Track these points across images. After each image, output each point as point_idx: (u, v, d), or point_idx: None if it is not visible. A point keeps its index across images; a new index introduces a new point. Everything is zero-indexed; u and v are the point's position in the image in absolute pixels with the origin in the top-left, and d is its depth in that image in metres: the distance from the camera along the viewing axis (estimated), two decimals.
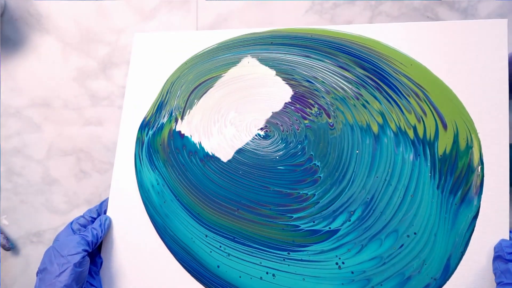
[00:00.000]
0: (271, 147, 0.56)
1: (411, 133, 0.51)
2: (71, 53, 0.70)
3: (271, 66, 0.59)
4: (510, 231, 0.48)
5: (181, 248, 0.55)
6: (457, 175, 0.49)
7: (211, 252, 0.54)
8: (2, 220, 0.70)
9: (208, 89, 0.62)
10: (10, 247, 0.68)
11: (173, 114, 0.62)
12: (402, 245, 0.49)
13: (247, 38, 0.62)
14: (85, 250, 0.50)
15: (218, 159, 0.59)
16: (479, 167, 0.49)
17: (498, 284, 0.43)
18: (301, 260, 0.51)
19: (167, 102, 0.63)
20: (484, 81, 0.51)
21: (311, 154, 0.54)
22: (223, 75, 0.62)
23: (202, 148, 0.60)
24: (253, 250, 0.53)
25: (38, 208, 0.69)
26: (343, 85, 0.55)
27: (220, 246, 0.54)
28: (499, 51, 0.51)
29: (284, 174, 0.54)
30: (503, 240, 0.46)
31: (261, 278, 0.52)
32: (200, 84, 0.62)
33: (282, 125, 0.57)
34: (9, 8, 0.72)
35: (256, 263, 0.52)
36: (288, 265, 0.51)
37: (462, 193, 0.49)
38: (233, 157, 0.58)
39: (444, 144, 0.50)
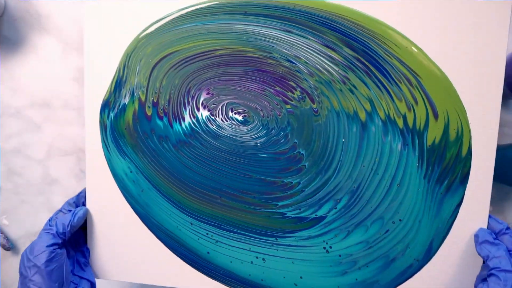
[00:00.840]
0: (251, 134, 0.56)
1: (400, 122, 0.52)
2: (71, 53, 0.69)
3: (246, 41, 0.55)
4: (489, 216, 0.51)
5: (167, 236, 0.58)
6: (445, 165, 0.52)
7: (198, 239, 0.57)
8: (2, 220, 0.73)
9: (173, 66, 0.58)
10: (10, 247, 0.72)
11: (135, 94, 0.59)
12: (387, 231, 0.53)
13: (216, 5, 0.56)
14: (54, 244, 0.52)
15: (192, 145, 0.58)
16: (462, 138, 0.51)
17: (493, 269, 0.46)
18: (289, 245, 0.55)
19: (126, 79, 0.59)
20: (480, 67, 0.50)
21: (295, 142, 0.55)
22: (189, 49, 0.57)
23: (174, 133, 0.58)
24: (241, 237, 0.56)
25: (38, 208, 0.72)
26: (328, 67, 0.53)
27: (207, 234, 0.57)
28: (499, 34, 0.50)
29: (267, 162, 0.55)
30: (482, 228, 0.50)
31: (251, 262, 0.56)
32: (162, 59, 0.58)
33: (262, 110, 0.55)
34: (9, 8, 0.73)
35: (245, 249, 0.56)
36: (277, 250, 0.55)
37: (448, 183, 0.52)
38: (210, 143, 0.57)
39: (433, 135, 0.52)
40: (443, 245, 0.52)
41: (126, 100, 0.58)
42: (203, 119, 0.56)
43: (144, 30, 0.58)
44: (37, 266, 0.50)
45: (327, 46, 0.53)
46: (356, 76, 0.53)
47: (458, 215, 0.52)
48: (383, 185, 0.53)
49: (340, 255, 0.54)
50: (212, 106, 0.56)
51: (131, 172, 0.59)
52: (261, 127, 0.55)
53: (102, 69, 0.60)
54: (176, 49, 0.57)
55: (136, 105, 0.58)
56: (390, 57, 0.52)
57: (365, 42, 0.52)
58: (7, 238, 0.72)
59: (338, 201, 0.54)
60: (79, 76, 0.69)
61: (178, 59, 0.57)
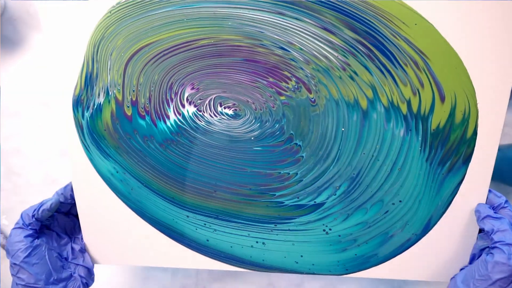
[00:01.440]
0: (243, 127, 0.54)
1: (404, 108, 0.50)
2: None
3: (231, 28, 0.50)
4: (489, 191, 0.54)
5: (165, 227, 0.59)
6: (448, 147, 0.52)
7: (196, 229, 0.59)
8: (2, 220, 0.75)
9: (149, 60, 0.53)
10: None
11: (110, 93, 0.55)
12: (387, 211, 0.55)
13: None
14: (26, 237, 0.52)
15: (180, 143, 0.56)
16: (468, 119, 0.51)
17: (497, 242, 0.49)
18: (289, 230, 0.57)
19: (96, 74, 0.54)
20: (494, 45, 0.48)
21: (291, 133, 0.53)
22: (166, 39, 0.52)
23: (160, 132, 0.55)
24: (239, 225, 0.58)
25: None
26: (326, 53, 0.49)
27: (205, 224, 0.58)
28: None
29: (261, 154, 0.54)
30: (481, 203, 0.53)
31: (252, 246, 0.58)
32: (136, 52, 0.53)
33: (254, 103, 0.53)
34: (8, 8, 0.74)
35: (245, 235, 0.58)
36: (277, 234, 0.58)
37: (450, 164, 0.53)
38: (199, 140, 0.55)
39: (438, 118, 0.51)
40: (441, 219, 0.55)
41: (101, 100, 0.54)
42: (189, 116, 0.54)
43: (112, 12, 0.51)
44: (17, 264, 0.51)
45: (325, 29, 0.49)
46: (358, 61, 0.49)
47: (459, 191, 0.53)
48: (383, 171, 0.53)
49: (339, 235, 0.57)
50: (199, 101, 0.53)
51: (117, 172, 0.57)
52: (254, 121, 0.53)
53: (66, 58, 0.54)
54: (151, 40, 0.51)
55: (113, 105, 0.54)
56: (396, 38, 0.48)
57: (368, 22, 0.48)
58: (7, 238, 0.73)
59: (337, 188, 0.54)
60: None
61: (154, 52, 0.52)
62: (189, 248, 0.60)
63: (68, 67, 0.54)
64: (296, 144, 0.53)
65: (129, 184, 0.58)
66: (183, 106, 0.53)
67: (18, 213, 0.72)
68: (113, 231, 0.60)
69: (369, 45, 0.48)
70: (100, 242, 0.61)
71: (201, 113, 0.53)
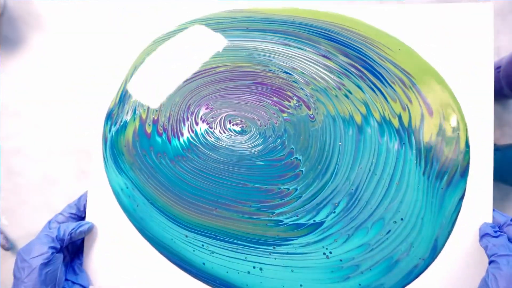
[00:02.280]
0: (248, 143, 0.63)
1: (396, 122, 0.58)
2: (71, 53, 0.79)
3: (245, 57, 0.65)
4: (493, 210, 0.55)
5: (163, 248, 0.63)
6: (443, 160, 0.57)
7: (194, 251, 0.62)
8: (2, 220, 0.80)
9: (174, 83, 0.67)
10: (10, 247, 0.79)
11: (137, 112, 0.68)
12: (389, 231, 0.57)
13: (221, 20, 0.68)
14: (52, 247, 0.56)
15: (190, 159, 0.65)
16: (458, 132, 0.57)
17: (491, 255, 0.51)
18: (287, 253, 0.59)
19: (130, 94, 0.69)
20: (470, 64, 0.58)
21: (292, 148, 0.61)
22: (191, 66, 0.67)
23: (172, 148, 0.66)
24: (237, 247, 0.61)
25: (38, 208, 0.79)
26: (324, 75, 0.61)
27: (203, 245, 0.62)
28: (485, 34, 0.59)
29: (263, 169, 0.61)
30: (484, 223, 0.55)
31: (248, 272, 0.60)
32: None
33: (259, 120, 0.63)
34: (8, 8, 0.83)
35: (242, 259, 0.60)
36: (275, 258, 0.59)
37: (448, 177, 0.56)
38: (207, 155, 0.64)
39: (429, 131, 0.57)
40: (448, 241, 0.56)
41: (128, 117, 0.67)
42: (201, 133, 0.64)
43: (156, 41, 0.70)
44: (31, 267, 0.54)
45: (323, 56, 0.62)
46: (351, 81, 0.60)
47: (462, 209, 0.56)
48: (381, 185, 0.58)
49: (341, 260, 0.58)
50: (211, 119, 0.64)
51: (127, 188, 0.66)
52: (258, 136, 0.62)
53: (108, 75, 0.70)
54: None
55: (137, 123, 0.66)
56: (383, 61, 0.60)
57: (359, 49, 0.61)
58: (7, 238, 0.79)
59: (336, 204, 0.58)
60: (79, 76, 0.78)
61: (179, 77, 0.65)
62: (185, 272, 0.63)
63: (111, 82, 0.69)
64: (296, 158, 0.61)
65: (135, 200, 0.65)
66: (197, 124, 0.65)
67: (18, 213, 0.80)
68: (114, 250, 0.65)
69: (360, 68, 0.61)
70: (99, 262, 0.65)
71: (211, 130, 0.64)
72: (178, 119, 0.67)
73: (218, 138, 0.65)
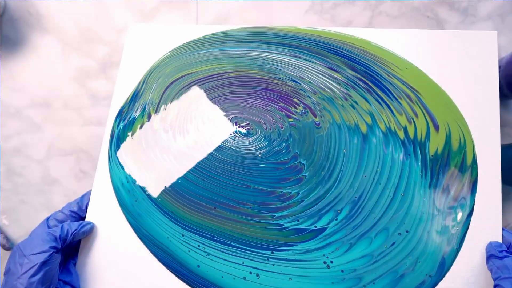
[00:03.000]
0: (253, 145, 0.53)
1: (401, 134, 0.49)
2: (71, 53, 0.70)
3: (256, 65, 0.57)
4: (502, 229, 0.45)
5: (158, 248, 0.51)
6: (450, 174, 0.47)
7: (189, 251, 0.50)
8: (2, 220, 0.68)
9: (185, 86, 0.59)
10: (10, 247, 0.67)
11: (146, 109, 0.58)
12: (393, 243, 0.46)
13: (236, 33, 0.60)
14: (53, 247, 0.46)
15: (193, 157, 0.55)
16: (465, 149, 0.49)
17: (495, 279, 0.42)
18: (286, 259, 0.48)
19: (142, 93, 0.60)
20: (477, 86, 0.51)
21: (296, 152, 0.51)
22: (203, 71, 0.59)
23: (177, 145, 0.56)
24: (234, 250, 0.49)
25: (38, 208, 0.67)
26: (331, 86, 0.53)
27: (199, 246, 0.50)
28: (490, 60, 0.51)
29: (266, 172, 0.51)
30: (491, 241, 0.45)
31: (244, 278, 0.48)
32: (177, 79, 0.59)
33: (265, 123, 0.54)
34: (9, 8, 0.73)
35: (238, 263, 0.49)
36: (273, 264, 0.48)
37: (455, 192, 0.46)
38: (211, 155, 0.54)
39: (435, 145, 0.48)
40: (457, 258, 0.45)
41: (137, 114, 0.58)
42: (208, 133, 0.55)
43: (172, 51, 0.62)
44: (31, 264, 0.44)
45: (331, 68, 0.54)
46: (358, 93, 0.52)
47: (470, 226, 0.45)
48: (386, 195, 0.48)
49: (342, 271, 0.46)
50: (217, 120, 0.55)
51: (127, 182, 0.55)
52: (263, 139, 0.53)
53: (128, 83, 0.61)
54: (192, 71, 0.59)
55: (145, 119, 0.57)
56: (391, 77, 0.52)
57: (367, 65, 0.53)
58: (7, 238, 0.67)
59: (338, 211, 0.48)
60: (79, 76, 0.68)
61: (192, 80, 0.58)
62: (179, 278, 0.50)
63: (128, 84, 0.61)
64: (300, 163, 0.51)
65: (134, 195, 0.54)
66: (204, 123, 0.55)
67: (18, 213, 0.68)
68: (109, 253, 0.53)
69: (367, 82, 0.52)
70: (93, 264, 0.53)
71: (217, 131, 0.55)
72: (185, 118, 0.57)
73: (223, 139, 0.55)
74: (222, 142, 0.55)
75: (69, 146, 0.69)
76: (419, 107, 0.51)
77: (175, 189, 0.54)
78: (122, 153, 0.57)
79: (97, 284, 0.52)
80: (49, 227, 0.50)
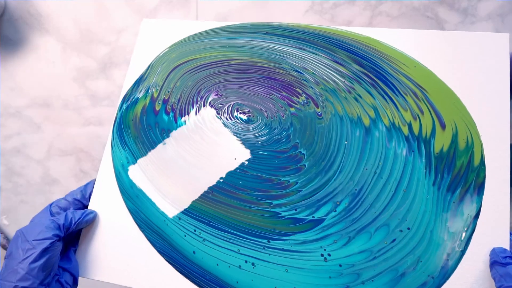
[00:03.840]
0: (253, 132, 0.42)
1: (405, 130, 0.39)
2: (71, 53, 0.58)
3: (260, 54, 0.46)
4: (510, 233, 0.35)
5: (155, 233, 0.41)
6: (455, 173, 0.36)
7: (185, 236, 0.39)
8: (2, 220, 0.58)
9: (189, 70, 0.48)
10: None
11: (149, 91, 0.47)
12: (394, 240, 0.35)
13: (243, 25, 0.49)
14: (56, 235, 0.36)
15: (192, 139, 0.44)
16: (473, 148, 0.38)
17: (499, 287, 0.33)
18: (283, 249, 0.37)
19: (147, 77, 0.49)
20: (487, 88, 0.40)
21: (297, 142, 0.40)
22: (207, 57, 0.48)
23: (177, 127, 0.45)
24: (230, 236, 0.39)
25: (38, 208, 0.56)
26: (335, 78, 0.42)
27: (195, 230, 0.39)
28: (500, 62, 0.41)
29: (265, 159, 0.41)
30: (495, 248, 0.35)
31: (239, 266, 0.37)
32: (181, 64, 0.48)
33: (266, 111, 0.43)
34: (9, 8, 0.61)
35: (234, 250, 0.38)
36: (269, 254, 0.37)
37: (461, 192, 0.36)
38: (210, 138, 0.43)
39: (441, 143, 0.38)
40: (462, 261, 0.34)
41: (140, 95, 0.47)
42: (208, 117, 0.44)
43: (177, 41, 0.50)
44: (33, 250, 0.34)
45: (336, 62, 0.43)
46: (362, 87, 0.41)
47: (477, 229, 0.35)
48: (387, 190, 0.37)
49: (340, 265, 0.35)
50: (219, 105, 0.44)
51: (128, 162, 0.44)
52: (264, 127, 0.42)
53: (137, 73, 0.50)
54: (196, 57, 0.48)
55: (148, 100, 0.46)
56: (398, 74, 0.41)
57: (374, 61, 0.42)
58: (7, 238, 0.55)
59: (337, 203, 0.37)
60: (79, 76, 0.57)
61: (195, 65, 0.47)
62: (175, 268, 0.38)
63: (136, 72, 0.49)
64: (300, 152, 0.40)
65: (134, 176, 0.43)
66: (205, 108, 0.44)
67: (18, 213, 0.56)
68: (110, 242, 0.41)
69: (373, 77, 0.41)
70: (93, 252, 0.41)
71: (219, 116, 0.43)
72: (187, 101, 0.46)
73: (224, 124, 0.44)
74: (222, 127, 0.43)
75: (69, 146, 0.57)
76: (425, 105, 0.40)
77: (174, 171, 0.43)
78: (124, 133, 0.46)
79: (96, 271, 0.41)
80: (51, 213, 0.40)
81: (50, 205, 0.41)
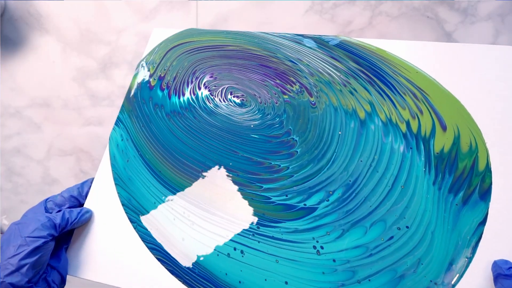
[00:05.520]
0: (246, 115, 0.30)
1: (403, 127, 0.26)
2: (71, 53, 0.44)
3: (255, 43, 0.33)
4: None
5: (146, 222, 0.27)
6: (458, 175, 0.24)
7: (174, 219, 0.26)
8: (2, 220, 0.43)
9: (186, 51, 0.35)
10: None
11: (145, 68, 0.35)
12: (391, 237, 0.23)
13: (248, 33, 0.36)
14: (51, 235, 0.25)
15: (185, 117, 0.31)
16: (477, 152, 0.25)
17: None
18: (273, 237, 0.25)
19: (145, 57, 0.36)
20: (496, 98, 0.27)
21: (290, 129, 0.28)
22: (205, 41, 0.35)
23: (170, 104, 0.32)
24: (219, 219, 0.26)
25: None
26: (330, 72, 0.30)
27: (184, 212, 0.26)
28: (508, 73, 0.28)
29: (257, 142, 0.28)
30: (496, 260, 0.22)
31: (228, 254, 0.24)
32: (178, 45, 0.35)
33: (260, 97, 0.30)
34: (9, 8, 0.46)
35: (222, 236, 0.25)
36: (258, 241, 0.25)
37: (464, 195, 0.24)
38: (203, 118, 0.30)
39: (441, 143, 0.25)
40: (468, 270, 0.22)
41: (137, 71, 0.34)
42: (202, 97, 0.31)
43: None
44: (25, 247, 0.24)
45: (333, 57, 0.30)
46: (358, 83, 0.29)
47: (483, 236, 0.22)
48: (384, 184, 0.25)
49: (334, 260, 0.23)
50: (213, 87, 0.31)
51: (122, 140, 0.31)
52: (257, 111, 0.29)
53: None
54: (194, 39, 0.35)
55: (143, 76, 0.33)
56: (396, 75, 0.29)
57: (373, 62, 0.30)
58: None
59: (330, 193, 0.25)
60: (79, 76, 0.43)
61: (192, 47, 0.34)
62: (166, 268, 0.25)
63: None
64: (293, 138, 0.28)
65: (127, 154, 0.30)
66: (199, 88, 0.31)
67: (18, 213, 0.39)
68: (102, 242, 0.28)
69: (370, 75, 0.29)
70: (84, 251, 0.28)
71: (212, 97, 0.31)
72: (182, 80, 0.33)
73: (217, 105, 0.31)
74: (216, 108, 0.31)
75: (69, 146, 0.43)
76: (425, 106, 0.27)
77: (165, 146, 0.30)
78: (120, 112, 0.33)
79: (87, 271, 0.28)
80: (46, 209, 0.28)
81: (46, 200, 0.29)
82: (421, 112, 0.27)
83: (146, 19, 0.43)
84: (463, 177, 0.24)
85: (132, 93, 0.33)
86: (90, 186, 0.29)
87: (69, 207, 0.28)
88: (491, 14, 0.35)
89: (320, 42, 0.32)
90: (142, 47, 0.41)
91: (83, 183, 0.30)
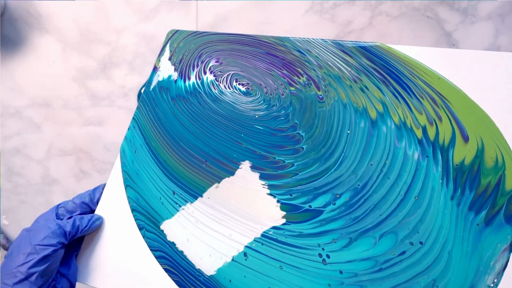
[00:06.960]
0: (251, 105, 0.21)
1: (418, 133, 0.18)
2: (71, 53, 0.35)
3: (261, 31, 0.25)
4: None
5: (152, 222, 0.19)
6: (480, 192, 0.16)
7: (179, 217, 0.18)
8: (2, 220, 0.34)
9: (193, 33, 0.26)
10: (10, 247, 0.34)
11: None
12: (403, 252, 0.15)
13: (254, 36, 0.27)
14: (60, 243, 0.19)
15: (190, 102, 0.22)
16: (504, 170, 0.16)
17: None
18: (276, 240, 0.17)
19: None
20: None
21: (296, 122, 0.20)
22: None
23: (176, 88, 0.23)
24: (223, 216, 0.18)
25: (38, 208, 0.34)
26: (340, 66, 0.21)
27: (188, 208, 0.19)
28: None
29: (261, 134, 0.20)
30: None
31: (231, 258, 0.17)
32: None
33: (265, 87, 0.22)
34: (9, 8, 0.37)
35: (226, 235, 0.17)
36: (262, 243, 0.17)
37: (487, 215, 0.15)
38: (208, 104, 0.22)
39: (462, 154, 0.17)
40: None
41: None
42: (207, 82, 0.23)
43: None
44: (34, 255, 0.17)
45: (344, 52, 0.22)
46: (370, 81, 0.20)
47: (510, 263, 0.14)
48: (396, 192, 0.17)
49: (341, 272, 0.15)
50: (219, 73, 0.23)
51: (129, 129, 0.23)
52: (262, 102, 0.21)
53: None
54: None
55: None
56: (414, 77, 0.20)
57: (387, 61, 0.21)
58: (7, 238, 0.33)
59: (337, 196, 0.17)
60: (79, 76, 0.34)
61: (199, 29, 0.27)
62: (173, 279, 0.17)
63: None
64: (298, 133, 0.20)
65: (135, 144, 0.22)
66: (205, 73, 0.23)
67: (18, 213, 0.32)
68: (112, 250, 0.20)
69: (384, 74, 0.20)
70: (94, 259, 0.20)
71: (217, 83, 0.22)
72: (188, 64, 0.24)
73: (222, 92, 0.22)
74: (220, 95, 0.22)
75: (69, 146, 0.34)
76: (445, 112, 0.18)
77: (170, 133, 0.22)
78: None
79: (97, 278, 0.20)
80: (57, 216, 0.21)
81: (57, 206, 0.21)
82: (440, 118, 0.18)
83: (146, 19, 0.33)
84: (486, 195, 0.16)
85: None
86: (102, 193, 0.22)
87: (80, 214, 0.21)
88: (491, 14, 0.26)
89: (332, 41, 0.22)
90: (142, 47, 0.32)
91: (94, 189, 0.22)
